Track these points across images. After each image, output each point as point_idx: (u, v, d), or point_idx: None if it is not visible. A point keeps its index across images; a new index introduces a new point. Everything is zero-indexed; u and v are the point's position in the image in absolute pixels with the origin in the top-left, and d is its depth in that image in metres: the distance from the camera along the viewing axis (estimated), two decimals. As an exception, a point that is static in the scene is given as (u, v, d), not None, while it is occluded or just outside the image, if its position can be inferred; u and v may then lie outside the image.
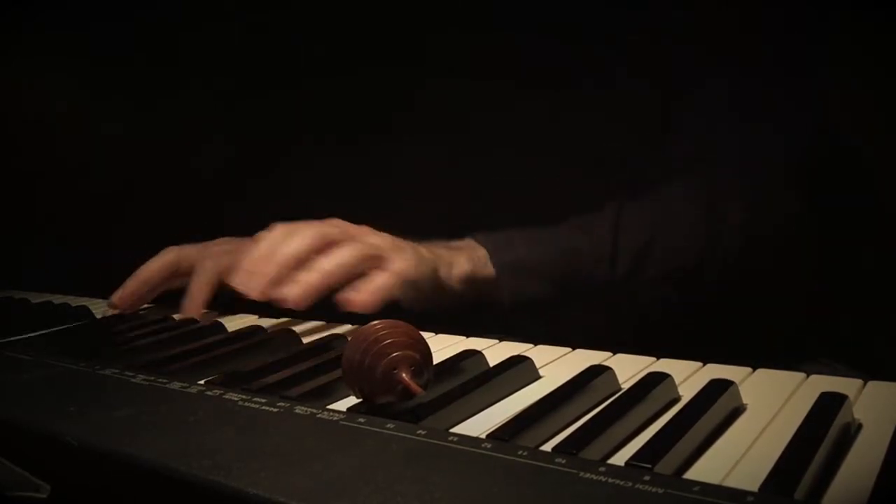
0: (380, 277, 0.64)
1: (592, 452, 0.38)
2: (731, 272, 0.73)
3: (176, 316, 0.75)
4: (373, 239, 0.66)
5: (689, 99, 0.75)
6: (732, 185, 0.73)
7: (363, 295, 0.62)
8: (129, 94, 1.07)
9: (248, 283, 0.64)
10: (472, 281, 0.70)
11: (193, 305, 0.74)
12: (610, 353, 0.56)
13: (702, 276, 0.73)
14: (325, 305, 0.73)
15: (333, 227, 0.66)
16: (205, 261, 0.76)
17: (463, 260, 0.70)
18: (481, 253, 0.71)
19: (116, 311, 0.78)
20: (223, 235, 0.90)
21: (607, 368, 0.49)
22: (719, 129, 0.74)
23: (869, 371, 0.49)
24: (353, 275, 0.64)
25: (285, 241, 0.65)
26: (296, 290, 0.63)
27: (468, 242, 0.72)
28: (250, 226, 0.94)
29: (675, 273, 0.72)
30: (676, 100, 0.76)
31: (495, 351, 0.58)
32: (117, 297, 0.76)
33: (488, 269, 0.70)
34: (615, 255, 0.72)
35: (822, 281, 0.79)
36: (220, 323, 0.71)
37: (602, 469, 0.34)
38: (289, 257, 0.64)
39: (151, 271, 0.77)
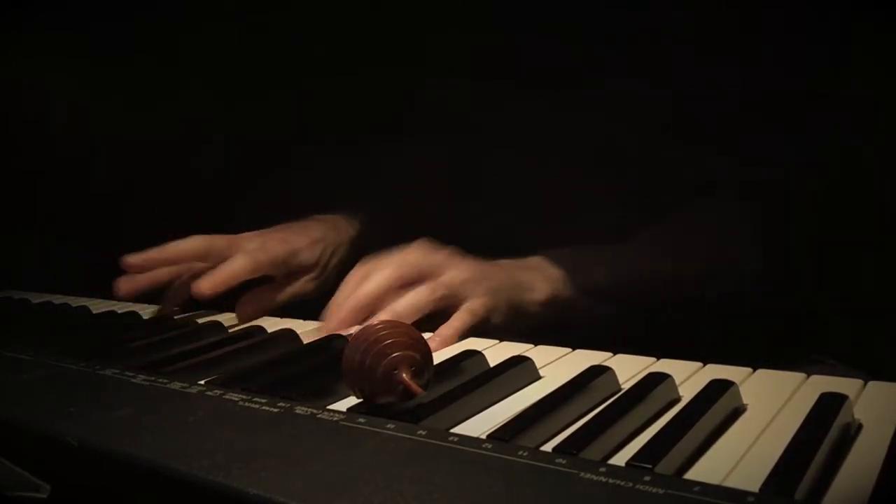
0: (456, 320, 0.63)
1: (593, 453, 0.38)
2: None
3: (194, 289, 0.73)
4: (450, 275, 0.65)
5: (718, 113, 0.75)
6: (776, 203, 0.73)
7: (437, 342, 0.61)
8: (129, 95, 1.07)
9: (330, 325, 0.65)
10: (551, 304, 0.68)
11: (213, 284, 0.73)
12: (610, 354, 0.56)
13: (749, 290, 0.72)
14: (322, 307, 0.73)
15: (412, 263, 0.65)
16: (240, 255, 0.74)
17: (541, 283, 0.68)
18: (557, 274, 0.69)
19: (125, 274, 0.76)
20: (223, 234, 0.91)
21: (607, 369, 0.49)
22: (749, 146, 0.74)
23: (869, 371, 0.49)
24: (427, 314, 0.65)
25: (363, 281, 0.65)
26: None
27: (540, 262, 0.70)
28: (251, 226, 0.94)
29: (734, 293, 0.72)
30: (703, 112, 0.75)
31: (495, 351, 0.58)
32: (134, 257, 0.74)
33: (567, 292, 0.68)
34: (680, 277, 0.71)
35: (823, 281, 0.79)
36: (220, 323, 0.71)
37: (602, 469, 0.33)
38: (365, 299, 0.64)
39: (178, 248, 0.75)
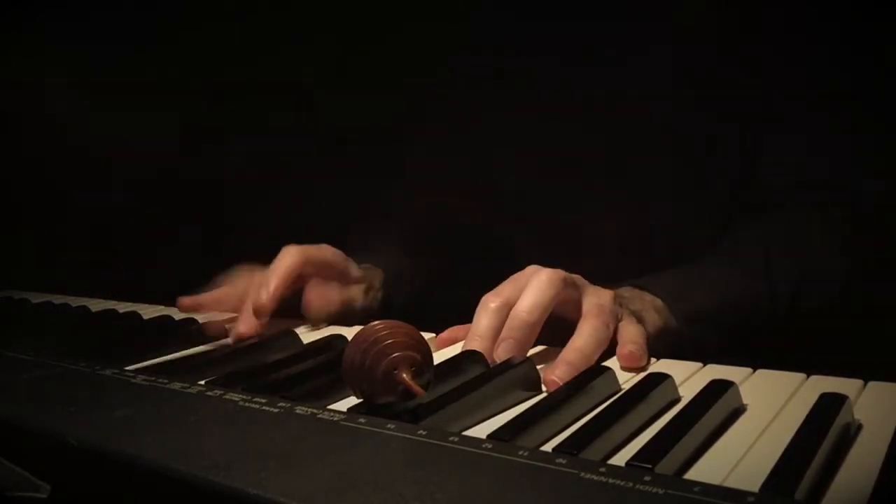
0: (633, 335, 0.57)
1: (593, 453, 0.38)
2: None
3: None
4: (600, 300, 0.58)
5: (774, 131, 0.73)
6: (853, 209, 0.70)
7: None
8: (130, 97, 1.07)
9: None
10: (660, 336, 0.62)
11: (269, 294, 0.68)
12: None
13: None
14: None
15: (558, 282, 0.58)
16: (288, 249, 0.71)
17: (650, 313, 0.63)
18: (659, 303, 0.64)
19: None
20: (223, 236, 0.91)
21: (607, 369, 0.49)
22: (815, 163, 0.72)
23: (870, 372, 0.48)
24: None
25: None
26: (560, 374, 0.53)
27: (634, 292, 0.64)
28: (250, 226, 0.94)
29: (823, 310, 0.68)
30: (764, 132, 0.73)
31: (495, 351, 0.58)
32: (261, 302, 0.67)
33: (672, 322, 0.63)
34: (775, 292, 0.67)
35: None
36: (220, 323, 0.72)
37: (602, 469, 0.33)
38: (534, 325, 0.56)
39: (289, 268, 0.70)
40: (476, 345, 0.55)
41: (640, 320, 0.60)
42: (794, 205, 0.72)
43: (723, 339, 0.65)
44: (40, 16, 1.08)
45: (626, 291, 0.64)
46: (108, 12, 1.03)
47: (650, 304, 0.63)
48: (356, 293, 0.77)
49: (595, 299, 0.58)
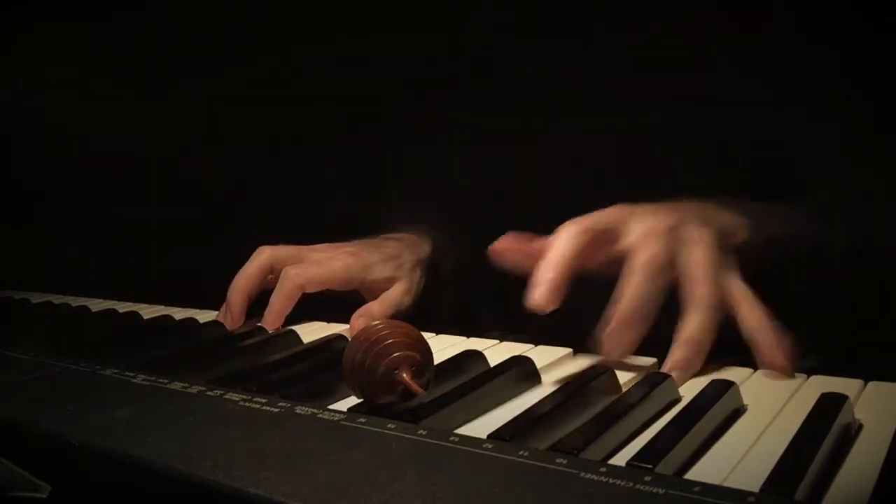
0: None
1: (593, 453, 0.38)
2: None
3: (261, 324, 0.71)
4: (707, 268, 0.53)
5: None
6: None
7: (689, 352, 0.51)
8: (129, 96, 1.07)
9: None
10: (745, 256, 0.57)
11: (273, 317, 0.70)
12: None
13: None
14: (324, 307, 0.73)
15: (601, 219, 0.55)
16: (289, 269, 0.71)
17: (740, 230, 0.58)
18: (746, 222, 0.59)
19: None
20: (222, 235, 0.91)
21: (608, 369, 0.49)
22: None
23: (871, 372, 0.48)
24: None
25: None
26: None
27: (720, 207, 0.60)
28: (249, 225, 0.94)
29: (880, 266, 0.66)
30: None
31: (495, 351, 0.58)
32: (229, 321, 0.72)
33: (757, 239, 0.58)
34: (835, 242, 0.64)
35: (823, 281, 0.79)
36: (220, 323, 0.72)
37: (603, 469, 0.33)
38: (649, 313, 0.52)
39: (249, 278, 0.73)
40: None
41: (733, 236, 0.56)
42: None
43: (791, 271, 0.62)
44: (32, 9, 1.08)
45: (711, 206, 0.59)
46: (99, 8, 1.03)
47: (740, 222, 0.59)
48: (398, 298, 0.75)
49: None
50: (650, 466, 0.35)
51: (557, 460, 0.35)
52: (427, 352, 0.45)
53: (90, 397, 0.49)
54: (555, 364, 0.55)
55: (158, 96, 1.04)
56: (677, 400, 0.47)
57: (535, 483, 0.33)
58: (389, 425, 0.40)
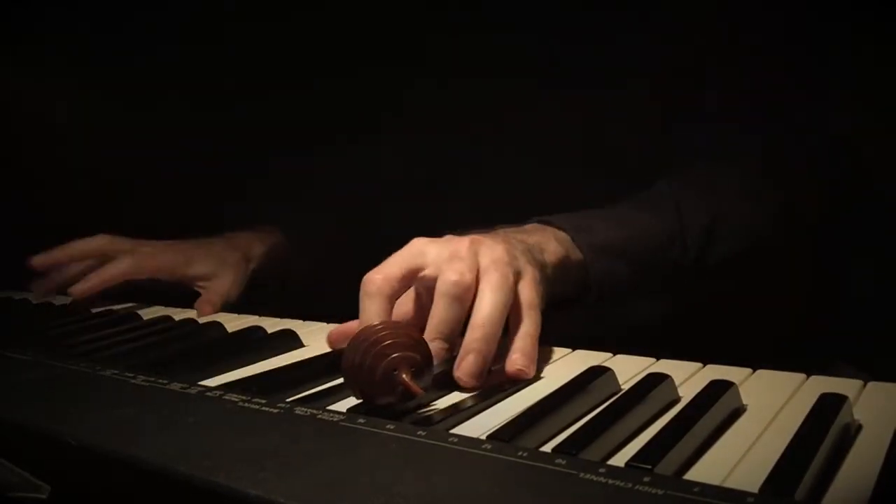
0: (528, 319, 0.55)
1: (592, 453, 0.38)
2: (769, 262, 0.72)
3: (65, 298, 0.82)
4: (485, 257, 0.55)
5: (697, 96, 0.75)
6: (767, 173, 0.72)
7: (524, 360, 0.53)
8: (128, 95, 1.07)
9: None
10: (564, 267, 0.61)
11: (86, 288, 0.81)
12: (610, 354, 0.56)
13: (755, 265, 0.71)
14: (323, 306, 0.73)
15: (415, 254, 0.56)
16: (125, 256, 0.83)
17: (552, 244, 0.61)
18: (561, 235, 0.63)
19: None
20: (219, 233, 0.92)
21: (607, 369, 0.49)
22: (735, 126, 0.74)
23: (873, 372, 0.48)
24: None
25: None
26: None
27: (537, 226, 0.64)
28: (248, 224, 0.95)
29: (738, 258, 0.70)
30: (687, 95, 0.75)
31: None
32: (39, 258, 0.84)
33: (576, 253, 0.63)
34: (685, 233, 0.68)
35: (824, 280, 0.79)
36: (220, 323, 0.71)
37: (602, 470, 0.33)
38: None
39: (81, 247, 0.85)
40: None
41: (541, 252, 0.59)
42: (704, 159, 0.74)
43: (636, 277, 0.65)
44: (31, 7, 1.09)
45: (529, 226, 0.64)
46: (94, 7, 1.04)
47: (552, 235, 0.63)
48: (223, 291, 0.84)
49: (488, 260, 0.54)
50: (649, 467, 0.35)
51: (556, 461, 0.35)
52: (427, 353, 0.45)
53: (90, 397, 0.49)
54: (555, 364, 0.55)
55: (155, 96, 1.05)
56: (677, 400, 0.47)
57: (534, 483, 0.33)
58: (389, 426, 0.40)
